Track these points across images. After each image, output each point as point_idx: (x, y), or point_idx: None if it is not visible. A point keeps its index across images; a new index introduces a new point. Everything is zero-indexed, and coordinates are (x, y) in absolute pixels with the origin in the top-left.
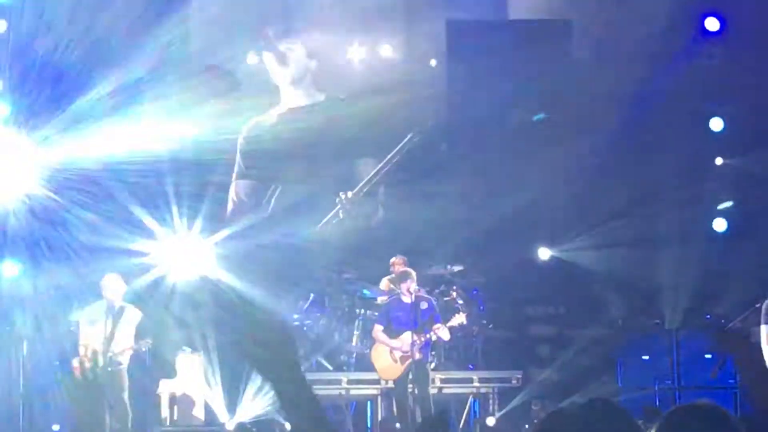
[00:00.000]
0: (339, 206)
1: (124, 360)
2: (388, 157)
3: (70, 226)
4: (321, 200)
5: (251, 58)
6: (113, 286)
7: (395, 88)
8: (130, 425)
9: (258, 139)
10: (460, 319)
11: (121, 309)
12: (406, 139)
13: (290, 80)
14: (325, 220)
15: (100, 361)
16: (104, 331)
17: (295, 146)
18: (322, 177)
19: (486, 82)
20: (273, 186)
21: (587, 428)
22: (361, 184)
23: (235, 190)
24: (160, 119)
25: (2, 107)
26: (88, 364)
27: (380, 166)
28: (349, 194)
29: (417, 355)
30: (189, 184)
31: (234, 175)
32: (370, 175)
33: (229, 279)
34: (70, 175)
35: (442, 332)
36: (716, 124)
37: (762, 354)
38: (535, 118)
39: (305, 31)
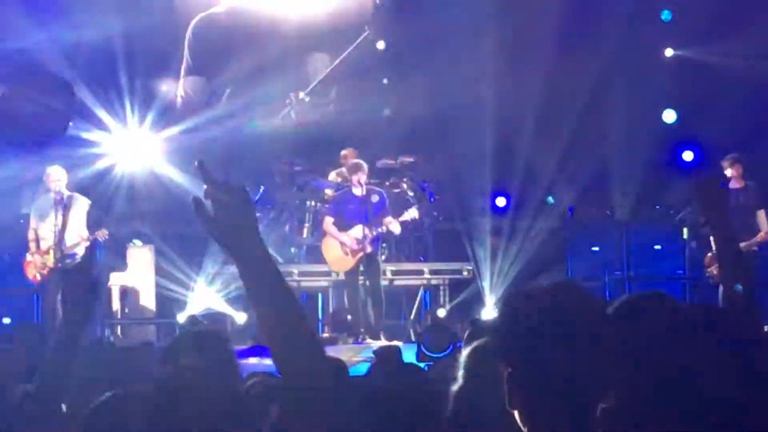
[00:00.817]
0: (290, 106)
1: (78, 251)
2: (343, 55)
3: (19, 115)
4: (271, 97)
5: None
6: (56, 177)
7: None
8: None
9: (206, 34)
10: (412, 213)
11: (69, 198)
12: (361, 38)
13: None
14: (281, 116)
15: (52, 256)
16: (54, 222)
17: (245, 42)
18: (273, 73)
19: None
20: (222, 82)
21: (554, 310)
22: (313, 84)
23: (184, 86)
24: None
25: None
26: (39, 260)
27: (334, 65)
28: (301, 94)
29: (368, 249)
30: (142, 76)
31: (182, 71)
32: (323, 75)
33: (177, 172)
34: (22, 62)
35: (393, 226)
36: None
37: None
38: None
39: None
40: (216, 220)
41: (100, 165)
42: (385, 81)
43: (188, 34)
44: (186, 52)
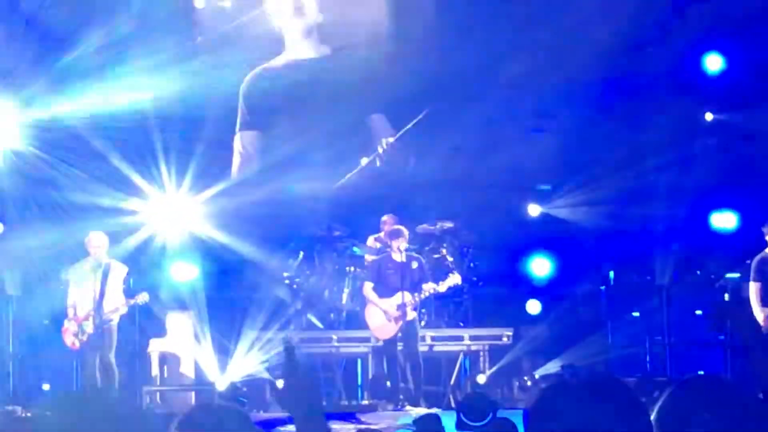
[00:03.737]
0: (377, 153)
1: (115, 318)
2: (408, 127)
3: (59, 184)
4: (318, 153)
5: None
6: (97, 243)
7: (391, 41)
8: (117, 384)
9: (263, 89)
10: (455, 279)
11: (108, 265)
12: (421, 115)
13: (303, 32)
14: (365, 164)
15: (91, 322)
16: (93, 289)
17: (301, 98)
18: (333, 131)
19: (477, 32)
20: (276, 136)
21: (589, 407)
22: (401, 132)
23: (241, 142)
24: (147, 75)
25: None
26: (77, 327)
27: (419, 117)
28: (390, 140)
29: (409, 315)
30: (177, 140)
31: (237, 126)
32: (411, 124)
33: (218, 236)
34: (58, 133)
35: (438, 288)
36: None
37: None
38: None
39: None
40: (287, 396)
41: (140, 234)
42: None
43: (243, 87)
44: (241, 106)
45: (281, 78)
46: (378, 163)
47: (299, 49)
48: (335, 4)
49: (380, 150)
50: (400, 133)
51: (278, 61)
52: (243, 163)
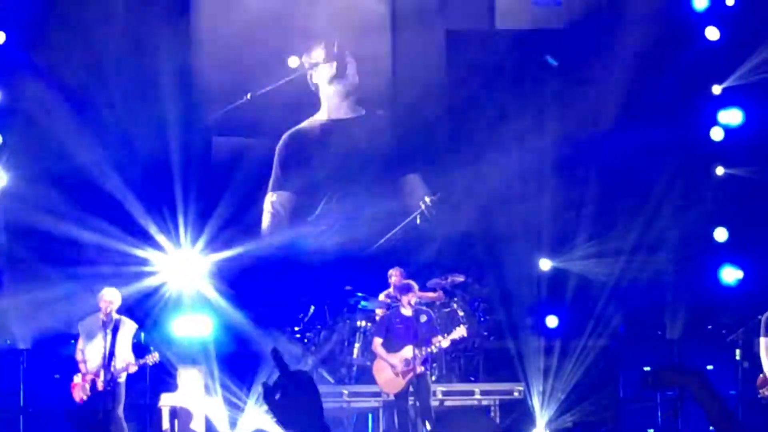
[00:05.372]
0: (420, 211)
1: (124, 375)
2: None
3: (71, 235)
4: (354, 213)
5: (293, 61)
6: (109, 298)
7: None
8: None
9: (299, 149)
10: (461, 332)
11: (118, 322)
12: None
13: (343, 93)
14: (404, 223)
15: (101, 379)
16: (103, 345)
17: (338, 159)
18: (363, 192)
19: (485, 90)
20: (310, 198)
21: None
22: (439, 194)
23: (272, 201)
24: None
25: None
26: (88, 383)
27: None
28: (433, 198)
29: (418, 369)
30: (195, 199)
31: (270, 185)
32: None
33: (228, 294)
34: (72, 182)
35: (442, 342)
36: (716, 133)
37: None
38: (550, 61)
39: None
40: (283, 406)
41: (151, 282)
42: (429, 199)
43: (279, 147)
44: (276, 166)
45: (316, 139)
46: (419, 221)
47: (336, 109)
48: (372, 68)
49: (422, 207)
50: (438, 194)
51: (314, 122)
52: (273, 223)
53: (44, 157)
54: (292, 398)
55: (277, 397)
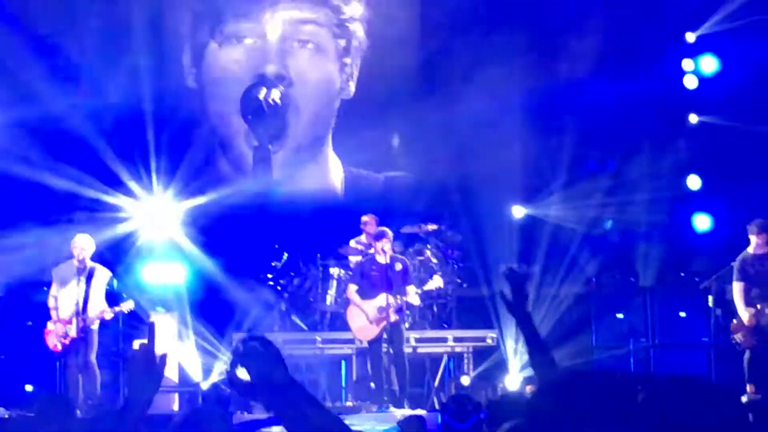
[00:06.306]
0: None
1: (96, 322)
2: None
3: (43, 181)
4: None
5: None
6: (81, 245)
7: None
8: (98, 387)
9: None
10: (437, 282)
11: (92, 269)
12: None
13: None
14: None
15: (74, 326)
16: (77, 292)
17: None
18: None
19: (459, 37)
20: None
21: (590, 400)
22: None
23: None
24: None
25: None
26: (60, 329)
27: None
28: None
29: (392, 317)
30: (168, 146)
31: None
32: None
33: (200, 241)
34: (44, 129)
35: (412, 298)
36: (690, 81)
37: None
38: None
39: None
40: (253, 384)
41: (123, 228)
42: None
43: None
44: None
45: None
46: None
47: None
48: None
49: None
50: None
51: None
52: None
53: (15, 104)
54: (260, 372)
55: (245, 383)
